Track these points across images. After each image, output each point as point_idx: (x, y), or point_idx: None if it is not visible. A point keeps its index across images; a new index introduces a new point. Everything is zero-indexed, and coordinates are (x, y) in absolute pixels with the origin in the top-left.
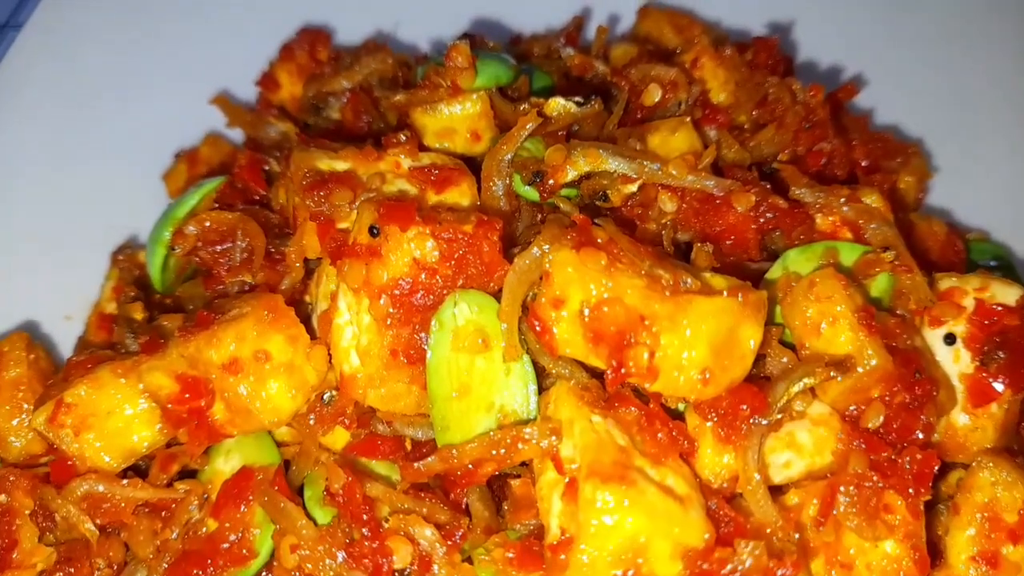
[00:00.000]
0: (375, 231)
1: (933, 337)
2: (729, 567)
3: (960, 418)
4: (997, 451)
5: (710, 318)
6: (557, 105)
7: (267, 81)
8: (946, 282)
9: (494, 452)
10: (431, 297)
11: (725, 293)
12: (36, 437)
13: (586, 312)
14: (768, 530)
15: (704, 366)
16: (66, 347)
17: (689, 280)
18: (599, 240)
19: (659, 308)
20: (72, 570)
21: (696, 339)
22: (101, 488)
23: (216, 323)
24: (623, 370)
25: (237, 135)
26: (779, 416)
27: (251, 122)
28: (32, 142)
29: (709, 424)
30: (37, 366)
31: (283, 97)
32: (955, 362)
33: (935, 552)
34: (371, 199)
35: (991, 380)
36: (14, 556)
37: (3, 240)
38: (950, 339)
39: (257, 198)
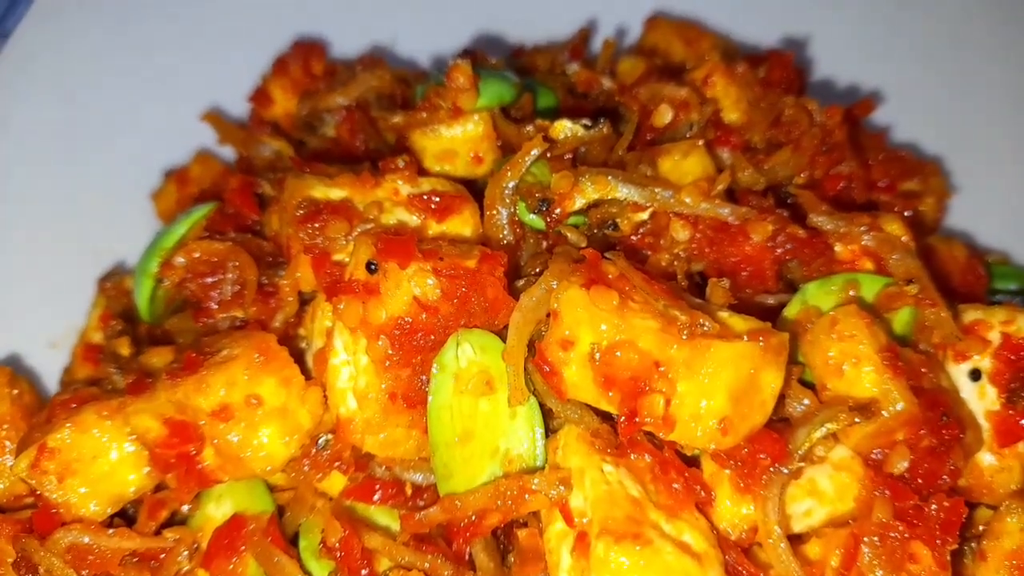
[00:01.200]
0: (373, 267)
1: (957, 373)
2: None
3: (986, 458)
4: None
5: (729, 365)
6: (564, 128)
7: (260, 96)
8: (971, 315)
9: (499, 503)
10: (432, 337)
11: (745, 337)
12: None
13: (597, 356)
14: None
15: (723, 415)
16: (51, 377)
17: (707, 324)
18: (610, 276)
19: (675, 353)
20: None
21: (714, 387)
22: (86, 539)
23: (205, 366)
24: (637, 419)
25: (229, 153)
26: (801, 464)
27: (243, 140)
28: (17, 159)
29: (727, 472)
30: (21, 401)
31: (276, 113)
32: (980, 399)
33: None
34: (368, 232)
35: (1018, 419)
36: None
37: None
38: (975, 375)
39: (249, 223)
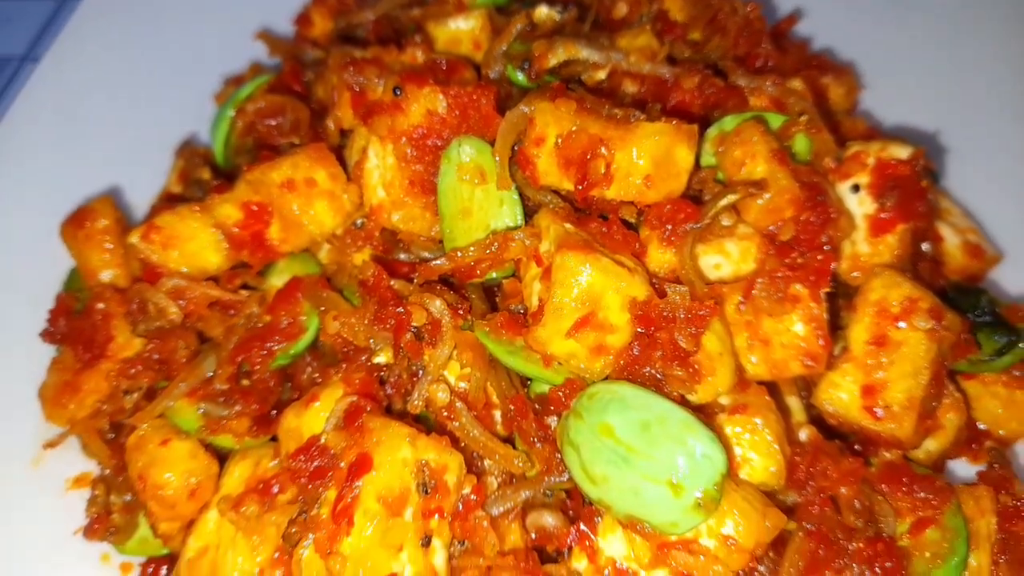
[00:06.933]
0: (398, 91)
1: (843, 188)
2: (661, 306)
3: (863, 247)
4: (888, 265)
5: (652, 137)
6: (542, 12)
7: (302, 20)
8: (854, 147)
9: (489, 251)
10: (440, 141)
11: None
12: (121, 273)
13: (559, 141)
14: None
15: (647, 174)
16: None
17: (639, 114)
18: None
19: (613, 132)
20: (160, 342)
21: (642, 154)
22: (183, 283)
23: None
24: (587, 181)
25: (276, 65)
26: (708, 222)
27: (289, 51)
28: (104, 71)
29: (656, 233)
30: (120, 223)
31: (316, 33)
32: (860, 205)
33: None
34: (394, 71)
35: (885, 215)
36: (109, 350)
37: (76, 149)
38: (856, 188)
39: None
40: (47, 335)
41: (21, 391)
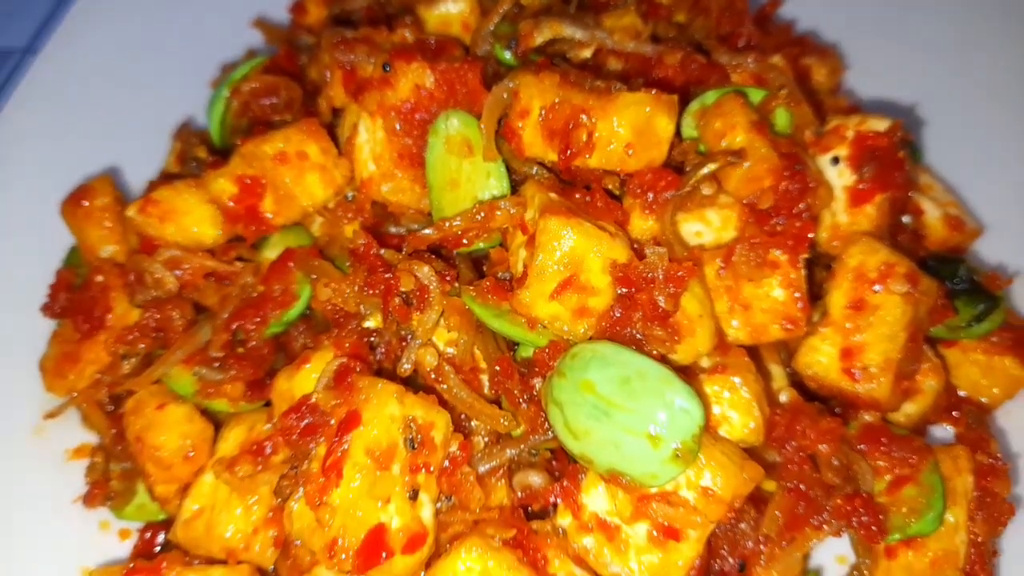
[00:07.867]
0: (387, 67)
1: (823, 161)
2: (641, 268)
3: (843, 217)
4: (867, 233)
5: (632, 107)
6: None
7: (297, 7)
8: (834, 121)
9: (476, 220)
10: (428, 115)
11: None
12: (120, 249)
13: (543, 113)
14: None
15: (628, 142)
16: None
17: (620, 85)
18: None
19: (595, 103)
20: (157, 311)
21: (623, 122)
22: (179, 253)
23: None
24: (570, 151)
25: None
26: (688, 190)
27: (285, 38)
28: (106, 63)
29: (638, 202)
30: (119, 201)
31: (310, 21)
32: (840, 177)
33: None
34: (384, 49)
35: (864, 186)
36: (108, 320)
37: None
38: (835, 161)
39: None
40: (47, 309)
41: (23, 365)
